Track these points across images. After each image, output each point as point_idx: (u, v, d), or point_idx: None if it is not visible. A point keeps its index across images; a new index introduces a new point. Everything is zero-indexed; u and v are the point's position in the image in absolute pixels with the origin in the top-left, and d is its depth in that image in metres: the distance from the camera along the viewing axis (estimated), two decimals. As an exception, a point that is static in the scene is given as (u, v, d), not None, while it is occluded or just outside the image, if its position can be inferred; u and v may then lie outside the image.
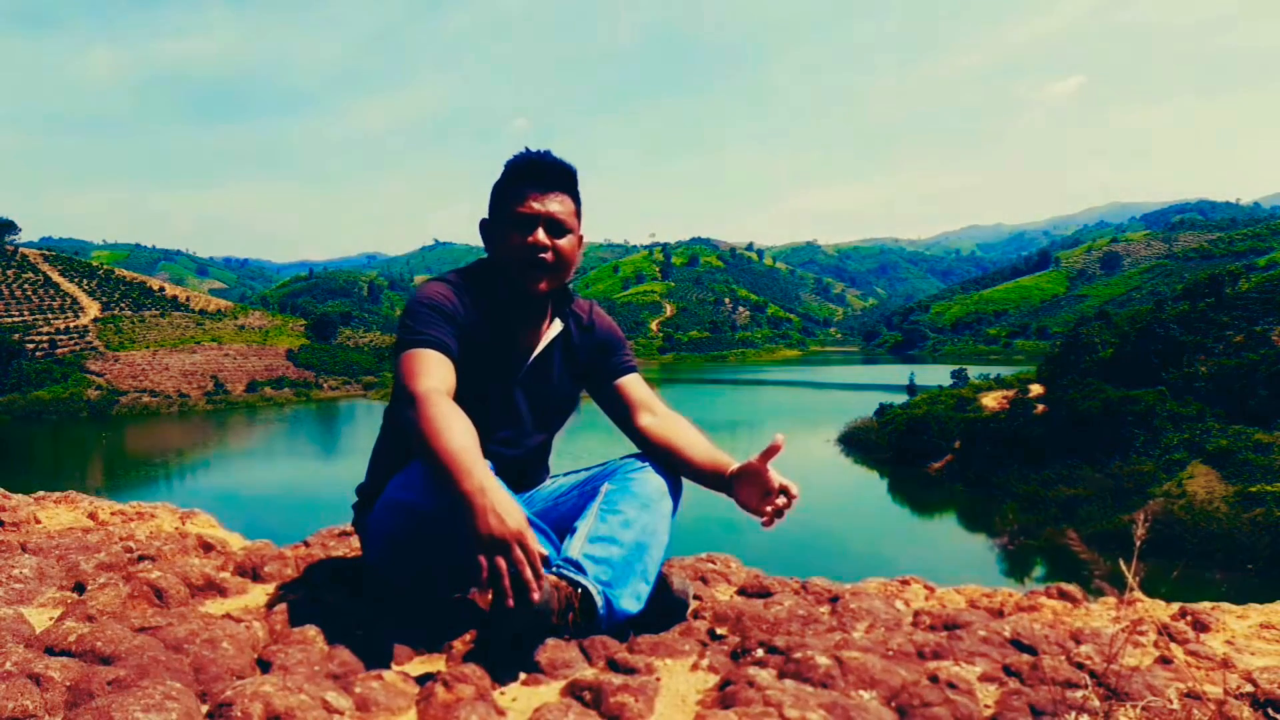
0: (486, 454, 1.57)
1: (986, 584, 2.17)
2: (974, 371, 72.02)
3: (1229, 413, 41.87)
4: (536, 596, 1.45)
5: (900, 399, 63.24)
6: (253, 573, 2.03)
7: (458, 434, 1.54)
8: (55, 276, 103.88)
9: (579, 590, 1.60)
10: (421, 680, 1.44)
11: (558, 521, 1.82)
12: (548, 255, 1.79)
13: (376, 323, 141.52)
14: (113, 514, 2.57)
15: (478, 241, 1.91)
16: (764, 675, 1.40)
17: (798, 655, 1.47)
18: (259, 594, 1.91)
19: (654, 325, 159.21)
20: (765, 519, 1.74)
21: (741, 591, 2.10)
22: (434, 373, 1.66)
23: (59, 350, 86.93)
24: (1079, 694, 1.36)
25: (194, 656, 1.42)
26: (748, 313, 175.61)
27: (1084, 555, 34.00)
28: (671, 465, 1.86)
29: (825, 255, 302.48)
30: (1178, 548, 31.58)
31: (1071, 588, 2.05)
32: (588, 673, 1.49)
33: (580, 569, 1.62)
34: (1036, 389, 51.28)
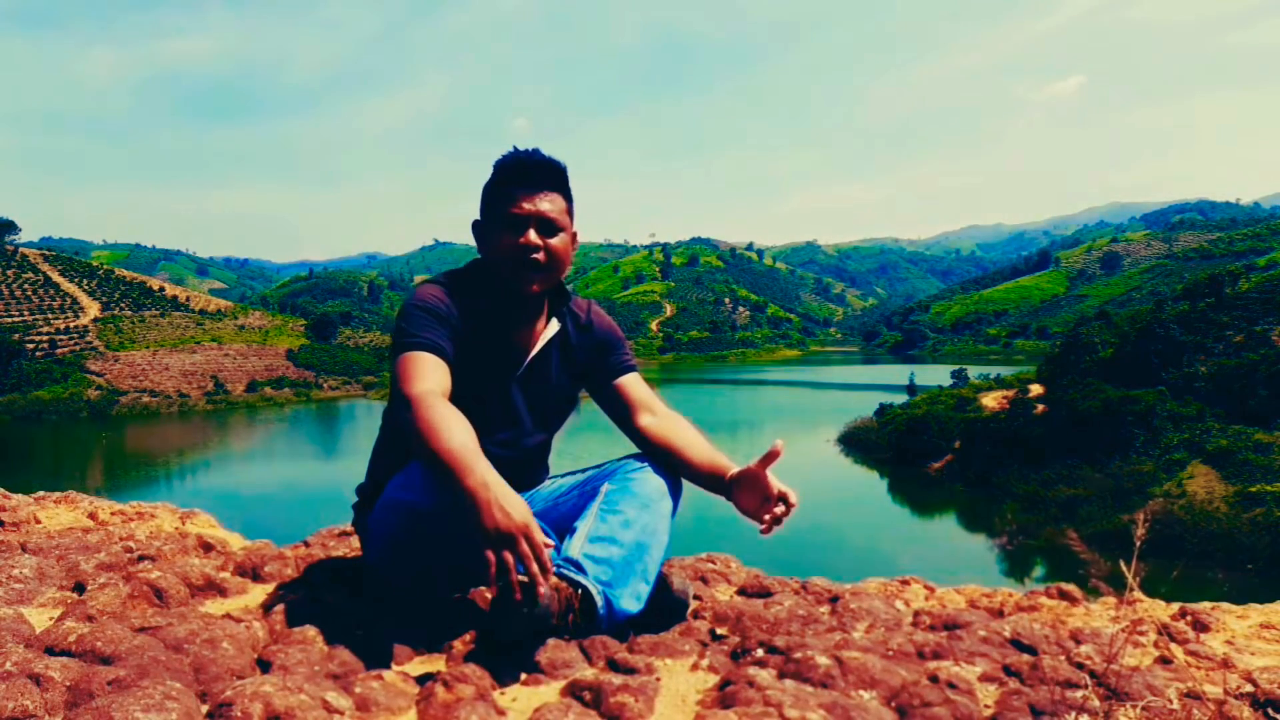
0: (485, 455, 1.57)
1: (986, 584, 2.17)
2: (974, 371, 72.00)
3: (1229, 413, 41.88)
4: (543, 591, 1.45)
5: (900, 399, 63.24)
6: (253, 573, 2.03)
7: (456, 433, 1.54)
8: (55, 276, 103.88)
9: (579, 590, 1.60)
10: (421, 680, 1.44)
11: (558, 521, 1.82)
12: (540, 255, 1.79)
13: (376, 323, 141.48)
14: (113, 514, 2.57)
15: (477, 242, 1.91)
16: (764, 675, 1.40)
17: (798, 655, 1.47)
18: (259, 594, 1.91)
19: (654, 325, 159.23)
20: (764, 526, 1.74)
21: (741, 591, 2.10)
22: (429, 375, 1.66)
23: (59, 350, 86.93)
24: (1079, 694, 1.36)
25: (194, 656, 1.42)
26: (748, 313, 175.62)
27: (1084, 555, 33.98)
28: (671, 466, 1.86)
29: (825, 255, 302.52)
30: (1178, 548, 31.58)
31: (1071, 588, 2.05)
32: (588, 673, 1.49)
33: (580, 569, 1.62)
34: (1036, 389, 51.29)
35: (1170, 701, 1.32)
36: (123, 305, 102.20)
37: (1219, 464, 38.45)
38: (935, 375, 79.34)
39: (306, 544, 2.34)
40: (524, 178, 1.80)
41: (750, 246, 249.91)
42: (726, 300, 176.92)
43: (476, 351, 1.80)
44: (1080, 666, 1.48)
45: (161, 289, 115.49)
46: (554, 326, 1.90)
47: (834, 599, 1.97)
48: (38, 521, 2.38)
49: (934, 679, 1.41)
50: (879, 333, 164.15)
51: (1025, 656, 1.55)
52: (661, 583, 1.76)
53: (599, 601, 1.61)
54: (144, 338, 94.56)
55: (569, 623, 1.58)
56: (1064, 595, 2.02)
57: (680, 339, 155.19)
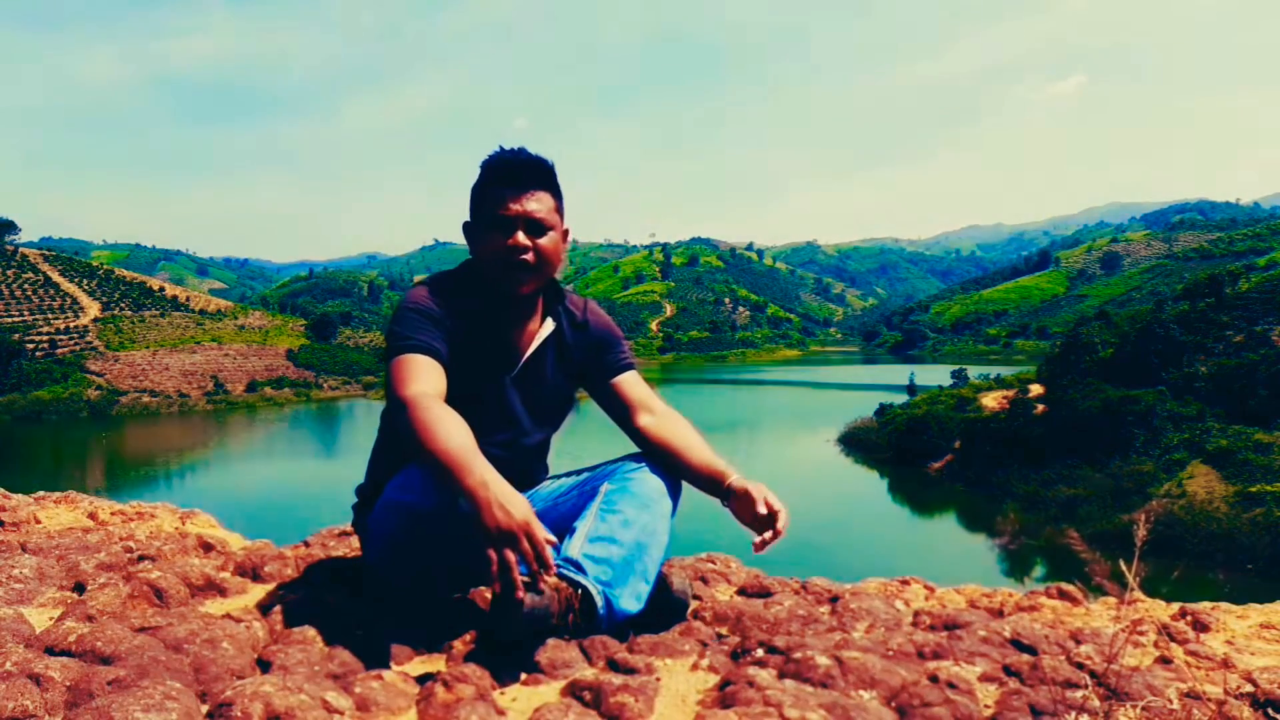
0: (484, 456, 1.57)
1: (986, 584, 2.17)
2: (974, 371, 72.01)
3: (1229, 413, 41.88)
4: (545, 588, 1.45)
5: (900, 399, 63.24)
6: (253, 573, 2.03)
7: (454, 433, 1.54)
8: (55, 276, 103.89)
9: (579, 590, 1.60)
10: (421, 680, 1.44)
11: (557, 522, 1.82)
12: (529, 256, 1.78)
13: (376, 323, 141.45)
14: (113, 514, 2.57)
15: (475, 242, 1.91)
16: (764, 675, 1.40)
17: (798, 655, 1.47)
18: (259, 594, 1.90)
19: (654, 325, 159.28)
20: (756, 546, 1.74)
21: (741, 591, 2.10)
22: (424, 377, 1.66)
23: (59, 350, 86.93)
24: (1079, 694, 1.36)
25: (194, 656, 1.42)
26: (748, 313, 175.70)
27: (1084, 555, 33.99)
28: (669, 466, 1.85)
29: (825, 255, 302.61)
30: (1178, 548, 31.59)
31: (1071, 588, 2.05)
32: (588, 673, 1.49)
33: (580, 569, 1.62)
34: (1036, 389, 51.29)
35: (1170, 701, 1.32)
36: (123, 305, 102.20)
37: (1219, 464, 38.45)
38: (935, 375, 79.34)
39: (306, 544, 2.34)
40: (510, 178, 1.79)
41: (750, 246, 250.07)
42: (726, 300, 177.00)
43: (471, 352, 1.79)
44: (1080, 666, 1.48)
45: (161, 289, 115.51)
46: (549, 326, 1.90)
47: (834, 599, 1.97)
48: (38, 521, 2.38)
49: (934, 679, 1.41)
50: (879, 333, 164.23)
51: (1025, 656, 1.55)
52: (661, 583, 1.76)
53: (599, 601, 1.61)
54: (144, 338, 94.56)
55: (569, 623, 1.57)
56: (1064, 595, 2.02)
57: (680, 339, 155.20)
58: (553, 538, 1.51)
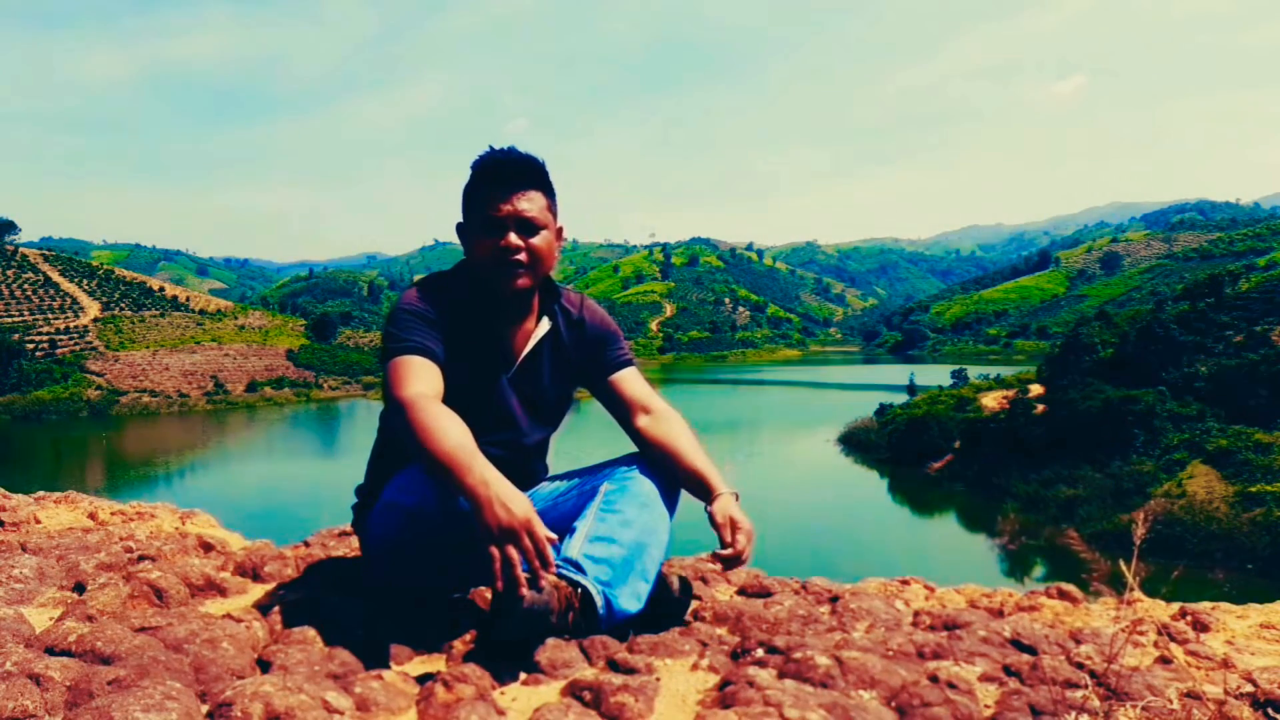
0: (483, 456, 1.57)
1: (986, 584, 2.17)
2: (974, 371, 72.06)
3: (1229, 413, 41.89)
4: (545, 586, 1.45)
5: (900, 399, 63.27)
6: (253, 573, 2.03)
7: (453, 433, 1.54)
8: (55, 276, 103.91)
9: (579, 590, 1.60)
10: (421, 680, 1.44)
11: (557, 521, 1.82)
12: (522, 256, 1.78)
13: (376, 323, 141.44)
14: (113, 514, 2.57)
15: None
16: (764, 675, 1.40)
17: (798, 655, 1.47)
18: (259, 594, 1.90)
19: (654, 325, 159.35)
20: (719, 564, 1.75)
21: (741, 591, 2.10)
22: (421, 378, 1.66)
23: (59, 350, 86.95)
24: (1079, 694, 1.36)
25: (194, 656, 1.42)
26: (748, 313, 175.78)
27: (1084, 555, 34.01)
28: (662, 468, 1.85)
29: (825, 255, 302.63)
30: (1178, 548, 31.60)
31: (1071, 588, 2.05)
32: (588, 673, 1.49)
33: (580, 569, 1.62)
34: (1036, 389, 51.30)
35: (1170, 701, 1.32)
36: (123, 305, 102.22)
37: (1219, 464, 38.47)
38: (935, 375, 79.37)
39: (306, 544, 2.34)
40: (501, 178, 1.79)
41: (750, 246, 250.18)
42: (726, 300, 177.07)
43: (468, 353, 1.79)
44: (1080, 666, 1.48)
45: (161, 289, 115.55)
46: (545, 325, 1.89)
47: (834, 599, 1.97)
48: (38, 521, 2.38)
49: (934, 679, 1.41)
50: (879, 333, 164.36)
51: (1025, 656, 1.55)
52: (661, 583, 1.76)
53: (599, 601, 1.61)
54: (144, 338, 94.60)
55: (569, 622, 1.57)
56: (1064, 595, 2.02)
57: (680, 339, 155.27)
58: (553, 536, 1.51)
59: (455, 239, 1.88)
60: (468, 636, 1.64)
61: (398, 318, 1.74)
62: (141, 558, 2.06)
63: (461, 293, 1.82)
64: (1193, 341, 49.14)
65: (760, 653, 1.55)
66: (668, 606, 1.76)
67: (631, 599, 1.67)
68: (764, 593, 2.06)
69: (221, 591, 1.89)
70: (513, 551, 1.44)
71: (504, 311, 1.85)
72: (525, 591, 1.45)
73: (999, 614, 1.91)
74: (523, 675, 1.50)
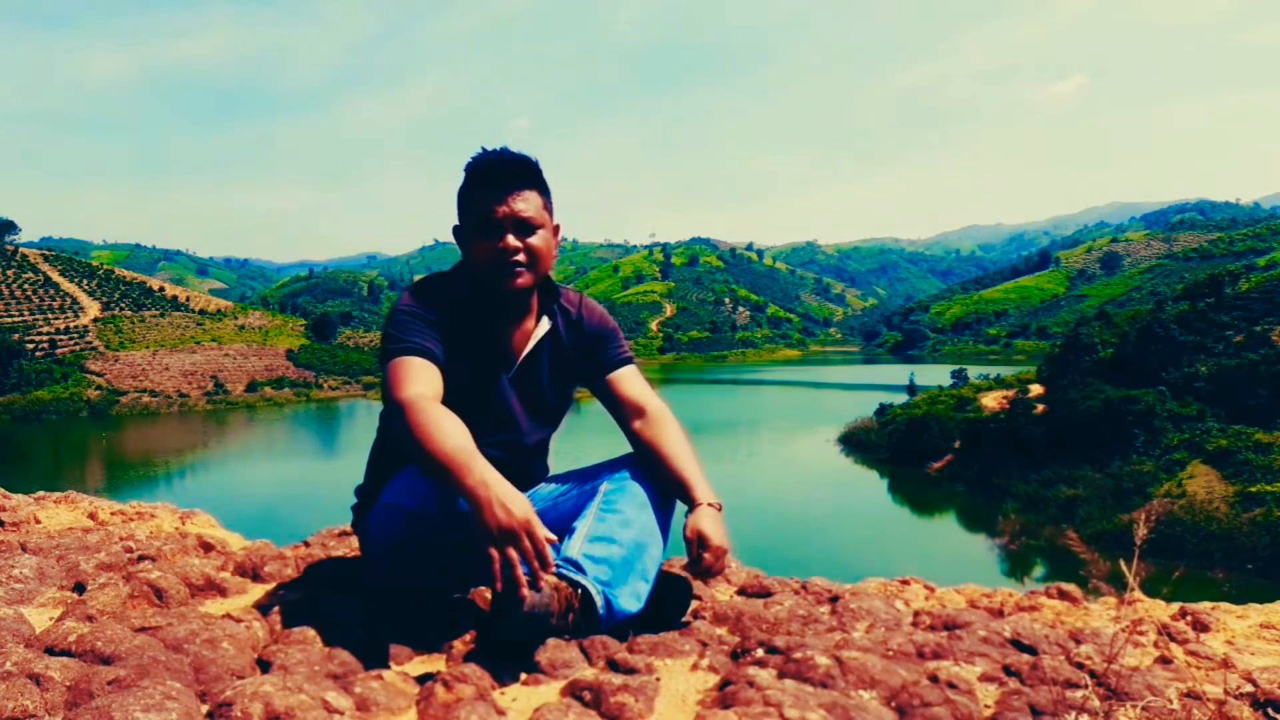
0: (483, 456, 1.57)
1: (986, 584, 2.17)
2: (974, 371, 72.05)
3: (1229, 413, 41.89)
4: (545, 587, 1.45)
5: (900, 399, 63.26)
6: (253, 573, 2.03)
7: (452, 434, 1.54)
8: (55, 276, 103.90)
9: (579, 590, 1.60)
10: (421, 680, 1.44)
11: (557, 521, 1.82)
12: (521, 257, 1.77)
13: (376, 323, 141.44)
14: (113, 514, 2.57)
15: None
16: (764, 675, 1.40)
17: (798, 655, 1.47)
18: (259, 594, 1.90)
19: (654, 325, 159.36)
20: (692, 570, 1.75)
21: (741, 591, 2.10)
22: (420, 378, 1.66)
23: (59, 350, 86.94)
24: (1079, 694, 1.36)
25: (194, 656, 1.42)
26: (748, 313, 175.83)
27: (1084, 555, 33.99)
28: (654, 472, 1.85)
29: (825, 255, 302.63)
30: (1178, 548, 31.60)
31: (1071, 588, 2.05)
32: (588, 673, 1.49)
33: (580, 569, 1.62)
34: (1036, 389, 51.31)
35: (1170, 701, 1.32)
36: (123, 305, 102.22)
37: (1219, 464, 38.47)
38: (935, 375, 79.37)
39: (306, 544, 2.34)
40: (495, 179, 1.78)
41: (750, 246, 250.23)
42: (726, 300, 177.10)
43: (468, 353, 1.79)
44: (1080, 666, 1.48)
45: (161, 289, 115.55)
46: (545, 325, 1.89)
47: (834, 599, 1.97)
48: (38, 521, 2.38)
49: (934, 679, 1.41)
50: (879, 333, 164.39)
51: (1025, 656, 1.55)
52: (661, 582, 1.76)
53: (599, 601, 1.60)
54: (144, 338, 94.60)
55: (569, 622, 1.57)
56: (1064, 595, 2.02)
57: (680, 339, 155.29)
58: (553, 536, 1.51)
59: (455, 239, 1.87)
60: (468, 636, 1.64)
61: (396, 319, 1.74)
62: (141, 558, 2.06)
63: (461, 293, 1.82)
64: (1193, 341, 49.15)
65: (760, 653, 1.55)
66: (668, 606, 1.76)
67: (631, 599, 1.67)
68: (764, 593, 2.06)
69: (221, 591, 1.89)
70: (512, 552, 1.44)
71: (504, 311, 1.85)
72: (525, 592, 1.45)
73: (999, 614, 1.91)
74: (523, 675, 1.50)
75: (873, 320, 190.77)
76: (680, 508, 1.86)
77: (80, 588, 1.83)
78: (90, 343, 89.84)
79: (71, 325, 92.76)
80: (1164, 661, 1.56)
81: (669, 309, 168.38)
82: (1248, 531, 32.95)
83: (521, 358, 1.87)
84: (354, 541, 2.30)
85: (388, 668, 1.50)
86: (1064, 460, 42.07)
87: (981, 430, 48.18)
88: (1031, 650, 1.60)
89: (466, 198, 1.81)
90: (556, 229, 1.87)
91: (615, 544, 1.68)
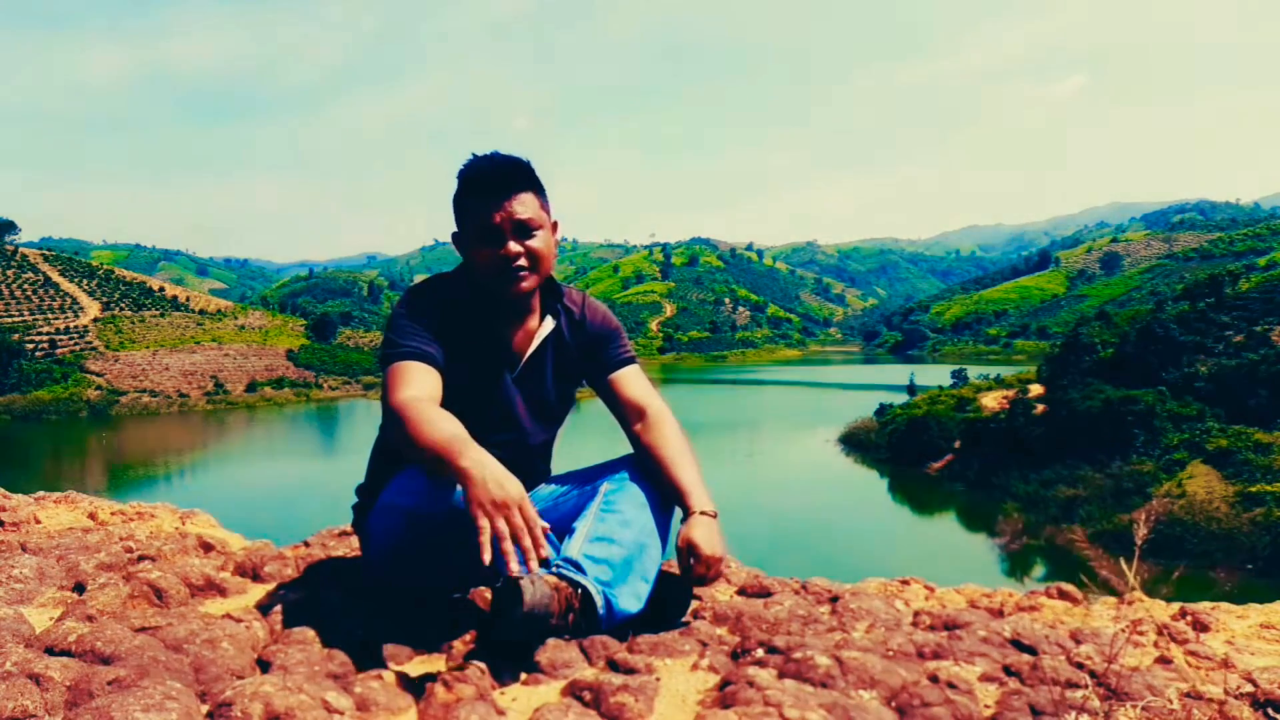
0: None
1: (986, 584, 2.17)
2: (974, 372, 72.05)
3: (1229, 413, 41.90)
4: (533, 565, 1.43)
5: (900, 399, 63.27)
6: (253, 573, 2.03)
7: (446, 426, 1.54)
8: (55, 276, 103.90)
9: (579, 590, 1.59)
10: (421, 680, 1.44)
11: (557, 522, 1.82)
12: (523, 262, 1.77)
13: (376, 323, 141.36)
14: (113, 514, 2.57)
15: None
16: (764, 675, 1.40)
17: (798, 655, 1.47)
18: (259, 594, 1.90)
19: (654, 325, 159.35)
20: (684, 580, 1.75)
21: (741, 591, 2.10)
22: (417, 382, 1.66)
23: (59, 350, 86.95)
24: (1079, 694, 1.36)
25: (194, 656, 1.42)
26: (748, 313, 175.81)
27: (1084, 555, 33.99)
28: (652, 475, 1.85)
29: (825, 255, 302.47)
30: (1178, 548, 31.59)
31: (1071, 588, 2.05)
32: (588, 673, 1.49)
33: (580, 569, 1.62)
34: (1036, 389, 51.32)
35: (1170, 701, 1.32)
36: (123, 305, 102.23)
37: (1219, 464, 38.48)
38: (935, 375, 79.37)
39: (306, 544, 2.33)
40: (490, 185, 1.77)
41: (750, 246, 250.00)
42: (726, 300, 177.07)
43: (471, 355, 1.79)
44: (1080, 666, 1.48)
45: (161, 289, 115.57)
46: (548, 325, 1.89)
47: (834, 599, 1.97)
48: (38, 521, 2.38)
49: (934, 679, 1.41)
50: (879, 333, 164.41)
51: (1025, 656, 1.55)
52: (661, 582, 1.76)
53: (599, 601, 1.60)
54: (144, 338, 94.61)
55: (569, 623, 1.57)
56: (1064, 595, 2.02)
57: (680, 339, 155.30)
58: (546, 525, 1.50)
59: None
60: (468, 636, 1.64)
61: (396, 323, 1.75)
62: (141, 558, 2.06)
63: (462, 294, 1.82)
64: (1193, 341, 49.16)
65: (760, 653, 1.55)
66: (668, 607, 1.76)
67: (631, 599, 1.67)
68: (764, 593, 2.06)
69: (221, 592, 1.89)
70: (501, 525, 1.42)
71: (506, 312, 1.85)
72: (523, 581, 1.44)
73: (999, 614, 1.91)
74: (523, 675, 1.50)
75: (873, 320, 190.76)
76: (677, 514, 1.86)
77: (80, 588, 1.83)
78: (90, 343, 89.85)
79: (71, 325, 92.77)
80: (1164, 661, 1.56)
81: (669, 309, 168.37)
82: (1248, 531, 32.97)
83: (526, 358, 1.87)
84: (354, 541, 2.30)
85: (387, 668, 1.50)
86: (1064, 460, 42.08)
87: (981, 430, 48.20)
88: (1031, 650, 1.60)
89: (462, 205, 1.81)
90: (555, 226, 1.87)
91: (615, 544, 1.68)
